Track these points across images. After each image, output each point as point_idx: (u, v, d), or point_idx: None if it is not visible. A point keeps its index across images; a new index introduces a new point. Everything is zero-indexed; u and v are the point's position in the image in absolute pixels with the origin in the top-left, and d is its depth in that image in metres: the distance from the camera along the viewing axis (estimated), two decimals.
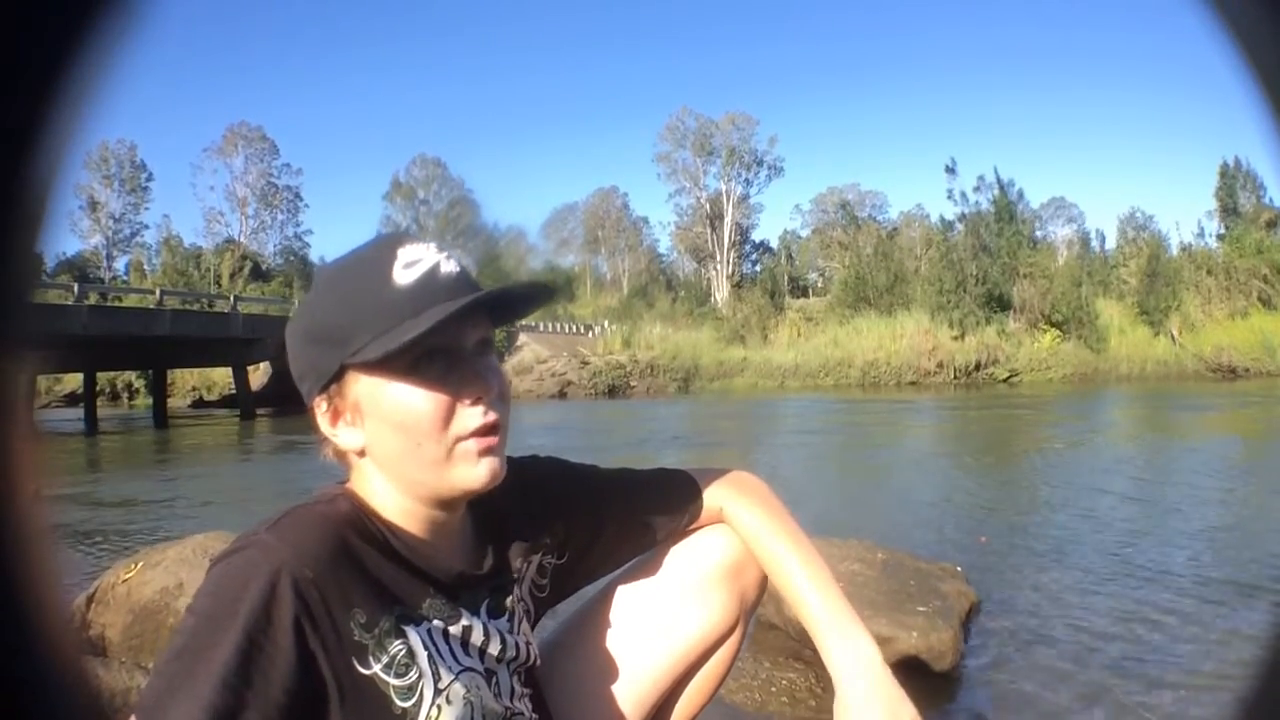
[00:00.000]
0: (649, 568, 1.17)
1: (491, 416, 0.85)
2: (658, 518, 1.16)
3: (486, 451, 0.85)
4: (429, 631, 0.87)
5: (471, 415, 0.84)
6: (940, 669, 2.48)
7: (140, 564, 2.82)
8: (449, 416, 0.84)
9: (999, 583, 3.49)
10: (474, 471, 0.85)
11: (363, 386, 0.84)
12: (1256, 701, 0.39)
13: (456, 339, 0.85)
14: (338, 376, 0.84)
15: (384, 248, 0.86)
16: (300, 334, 0.87)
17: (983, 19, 72.91)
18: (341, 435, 0.87)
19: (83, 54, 0.36)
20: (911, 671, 2.45)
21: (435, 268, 0.84)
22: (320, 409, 0.86)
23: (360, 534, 0.85)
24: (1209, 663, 2.59)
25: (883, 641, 2.49)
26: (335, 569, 0.81)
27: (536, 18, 77.87)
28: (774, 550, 1.13)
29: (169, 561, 2.77)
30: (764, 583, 1.21)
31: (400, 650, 0.84)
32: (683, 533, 1.18)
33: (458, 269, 0.86)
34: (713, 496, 1.17)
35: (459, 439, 0.84)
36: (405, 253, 0.85)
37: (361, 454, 0.87)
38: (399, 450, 0.85)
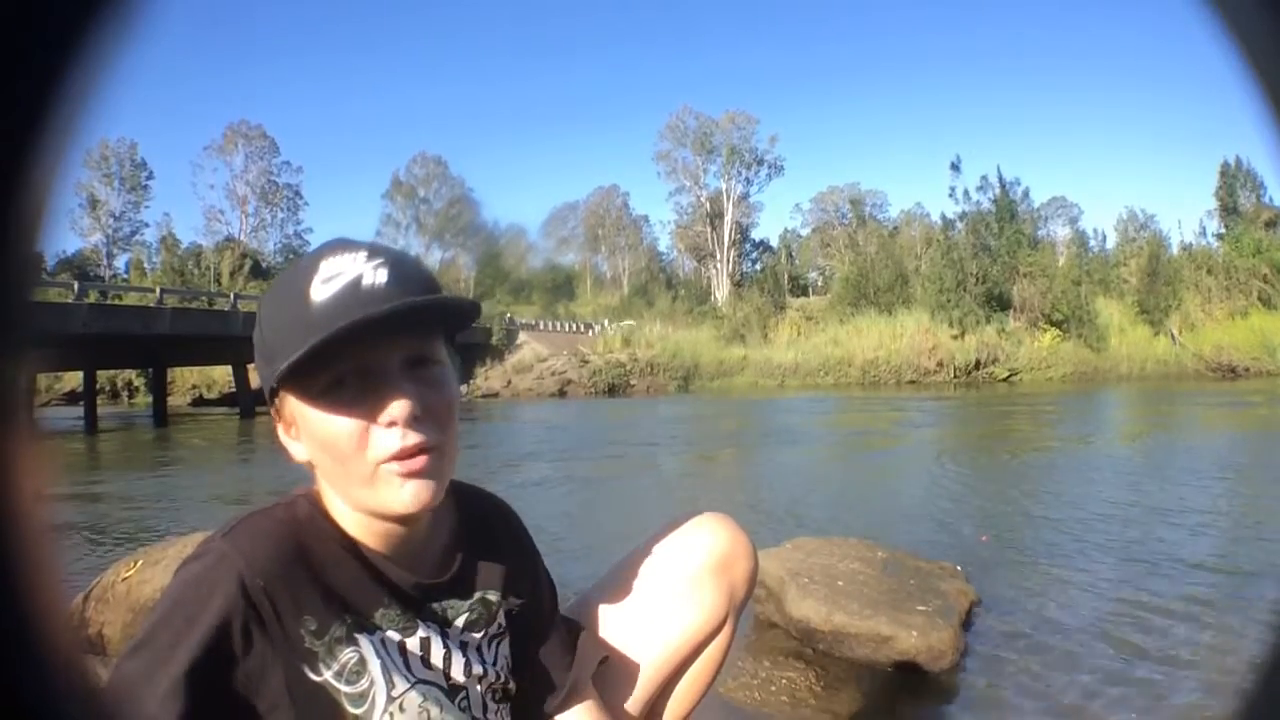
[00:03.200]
0: (638, 566, 1.18)
1: (412, 440, 0.81)
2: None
3: (411, 475, 0.81)
4: (382, 641, 0.87)
5: (388, 438, 0.80)
6: (940, 668, 2.48)
7: (140, 562, 2.82)
8: (364, 440, 0.81)
9: (999, 582, 3.49)
10: (398, 495, 0.82)
11: (293, 404, 0.83)
12: (1256, 700, 0.39)
13: (374, 359, 0.81)
14: (276, 392, 0.84)
15: (311, 260, 0.83)
16: (254, 344, 0.87)
17: (982, 19, 73.02)
18: (291, 446, 0.86)
19: (83, 52, 0.36)
20: (911, 670, 2.45)
21: (356, 280, 0.80)
22: (276, 417, 0.87)
23: (315, 541, 0.85)
24: (1207, 661, 2.59)
25: (882, 640, 2.52)
26: (287, 576, 0.82)
27: (537, 17, 77.97)
28: None
29: (169, 560, 2.77)
30: (753, 578, 1.22)
31: (351, 658, 0.84)
32: (670, 528, 1.19)
33: (385, 279, 0.81)
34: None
35: (379, 462, 0.81)
36: (328, 265, 0.81)
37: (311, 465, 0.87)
38: (328, 468, 0.84)
